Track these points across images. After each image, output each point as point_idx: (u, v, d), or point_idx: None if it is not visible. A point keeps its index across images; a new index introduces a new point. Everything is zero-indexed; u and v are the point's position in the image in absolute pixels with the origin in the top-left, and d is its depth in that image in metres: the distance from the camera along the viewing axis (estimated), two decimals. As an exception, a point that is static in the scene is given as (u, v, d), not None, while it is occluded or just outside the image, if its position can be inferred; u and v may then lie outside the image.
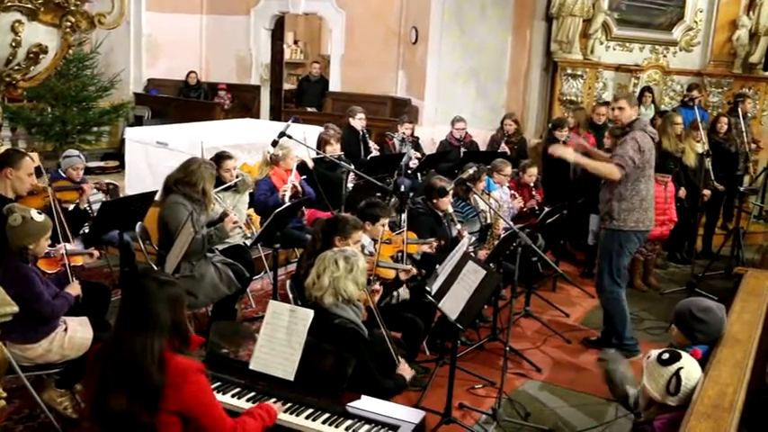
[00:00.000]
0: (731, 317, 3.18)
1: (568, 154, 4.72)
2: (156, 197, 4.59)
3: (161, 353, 2.18)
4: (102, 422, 2.22)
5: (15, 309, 2.81)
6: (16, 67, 2.79)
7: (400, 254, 4.32)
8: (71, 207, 4.52)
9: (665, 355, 2.63)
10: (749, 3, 7.99)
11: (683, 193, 6.22)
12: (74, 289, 3.42)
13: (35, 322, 3.22)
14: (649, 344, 4.49)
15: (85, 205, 4.63)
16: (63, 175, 4.97)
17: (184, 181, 4.23)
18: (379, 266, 3.93)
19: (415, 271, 4.12)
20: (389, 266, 4.07)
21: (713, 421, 2.26)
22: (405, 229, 4.45)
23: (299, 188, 5.36)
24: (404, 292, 4.04)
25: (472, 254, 4.13)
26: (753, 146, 7.36)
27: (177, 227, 4.02)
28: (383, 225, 4.21)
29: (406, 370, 3.22)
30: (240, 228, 4.56)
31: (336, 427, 2.59)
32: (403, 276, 4.04)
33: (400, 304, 4.01)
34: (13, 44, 2.68)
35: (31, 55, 2.77)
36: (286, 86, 11.88)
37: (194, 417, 2.22)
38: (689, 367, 2.57)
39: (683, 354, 2.64)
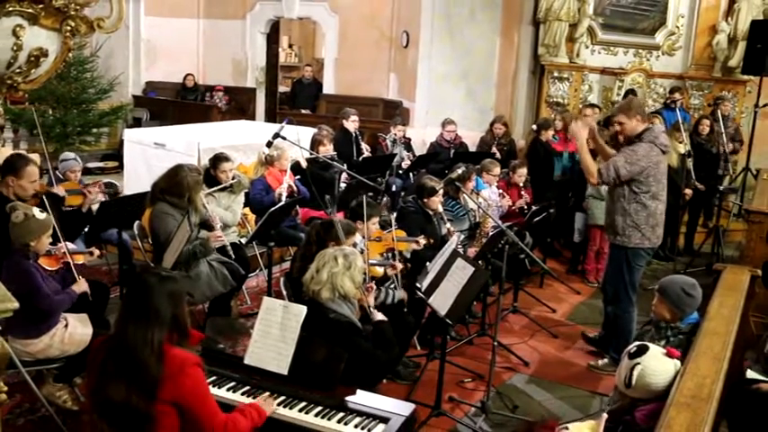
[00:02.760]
0: (710, 311, 3.26)
1: (582, 136, 4.29)
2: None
3: (160, 345, 2.25)
4: (102, 412, 2.28)
5: (16, 305, 2.87)
6: (17, 71, 2.84)
7: (391, 252, 4.41)
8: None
9: (633, 349, 2.73)
10: (728, 9, 8.18)
11: None
12: (80, 286, 3.46)
13: (36, 318, 3.28)
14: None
15: (87, 207, 4.65)
16: (62, 177, 5.02)
17: (171, 191, 4.22)
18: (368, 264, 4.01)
19: (400, 266, 4.18)
20: (376, 263, 4.15)
21: (692, 411, 2.31)
22: (395, 227, 4.54)
23: (294, 188, 5.44)
24: (399, 293, 4.07)
25: (461, 251, 4.23)
26: (731, 147, 7.52)
27: (167, 237, 4.06)
28: (374, 224, 4.29)
29: (380, 317, 3.30)
30: (225, 244, 4.54)
31: (329, 419, 2.63)
32: (390, 272, 4.12)
33: (397, 305, 4.03)
34: (15, 48, 2.73)
35: (32, 58, 2.82)
36: (281, 89, 11.96)
37: (188, 407, 2.28)
38: (647, 364, 2.64)
39: (651, 349, 2.70)
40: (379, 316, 3.32)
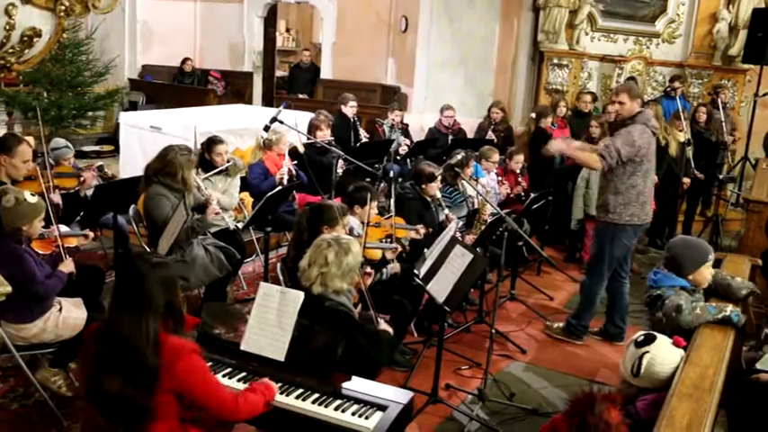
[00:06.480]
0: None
1: (566, 148, 4.59)
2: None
3: (156, 334, 2.19)
4: (98, 404, 2.23)
5: (8, 289, 2.85)
6: (10, 50, 2.84)
7: (389, 238, 4.39)
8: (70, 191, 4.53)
9: (641, 338, 2.73)
10: (729, -3, 8.14)
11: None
12: (67, 266, 3.40)
13: (30, 302, 3.24)
14: (632, 327, 4.56)
15: (85, 192, 4.61)
16: (54, 164, 4.96)
17: (164, 171, 4.18)
18: (365, 248, 3.98)
19: (399, 248, 4.17)
20: (375, 246, 4.13)
21: (694, 401, 2.33)
22: (393, 213, 4.51)
23: (294, 172, 5.41)
24: (392, 267, 4.06)
25: (459, 238, 4.21)
26: (730, 138, 7.49)
27: (160, 218, 4.03)
28: (371, 208, 4.26)
29: (385, 327, 3.27)
30: (223, 218, 4.54)
31: (326, 406, 2.60)
32: (389, 255, 4.09)
33: (391, 279, 4.04)
34: (7, 27, 2.73)
35: (25, 38, 2.82)
36: (278, 73, 11.92)
37: (190, 394, 2.25)
38: (656, 353, 2.64)
39: (659, 338, 2.70)
40: (384, 325, 3.27)
